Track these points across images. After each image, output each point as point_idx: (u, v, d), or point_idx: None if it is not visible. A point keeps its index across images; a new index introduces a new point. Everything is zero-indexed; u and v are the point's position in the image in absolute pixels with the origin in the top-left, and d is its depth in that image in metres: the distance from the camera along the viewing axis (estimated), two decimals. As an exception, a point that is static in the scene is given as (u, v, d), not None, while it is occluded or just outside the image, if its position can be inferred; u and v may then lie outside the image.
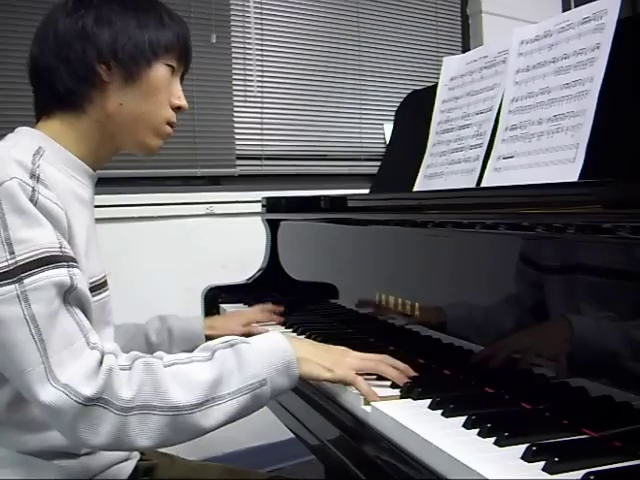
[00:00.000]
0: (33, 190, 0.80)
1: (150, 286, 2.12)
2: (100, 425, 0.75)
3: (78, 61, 0.93)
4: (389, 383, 0.89)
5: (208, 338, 1.22)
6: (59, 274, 0.78)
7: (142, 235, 2.20)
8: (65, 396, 0.73)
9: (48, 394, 0.73)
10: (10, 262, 0.76)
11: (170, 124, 1.01)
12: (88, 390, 0.74)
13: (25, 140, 0.90)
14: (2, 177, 0.79)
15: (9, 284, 0.75)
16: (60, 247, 0.80)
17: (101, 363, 0.77)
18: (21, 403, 0.84)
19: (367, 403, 0.84)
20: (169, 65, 0.98)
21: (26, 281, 0.76)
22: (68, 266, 0.80)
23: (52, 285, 0.77)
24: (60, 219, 0.83)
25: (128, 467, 1.01)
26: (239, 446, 2.29)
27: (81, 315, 0.80)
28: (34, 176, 0.81)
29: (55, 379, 0.74)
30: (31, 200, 0.79)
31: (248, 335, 0.92)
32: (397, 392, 0.86)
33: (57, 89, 0.94)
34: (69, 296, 0.79)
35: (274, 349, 0.85)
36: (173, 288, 2.15)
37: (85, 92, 0.94)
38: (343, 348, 0.93)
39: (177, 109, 1.01)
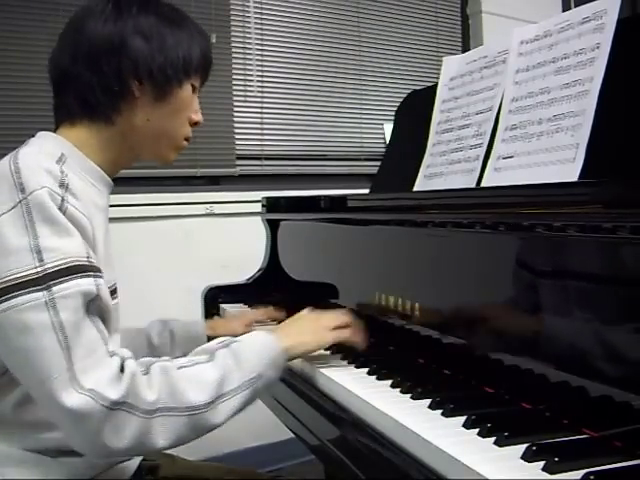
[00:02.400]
0: (62, 200, 0.81)
1: (150, 286, 2.12)
2: (125, 429, 0.76)
3: (113, 74, 0.92)
4: (389, 383, 0.90)
5: (210, 339, 1.22)
6: (87, 283, 0.79)
7: (142, 235, 2.20)
8: (92, 401, 0.74)
9: (74, 400, 0.74)
10: (39, 270, 0.77)
11: (186, 139, 1.04)
12: (114, 394, 0.75)
13: (48, 146, 0.90)
14: (33, 186, 0.79)
15: (38, 291, 0.76)
16: (87, 257, 0.82)
17: (122, 368, 0.78)
18: (28, 404, 0.84)
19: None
20: (193, 85, 1.01)
21: (55, 289, 0.76)
22: (95, 276, 0.81)
23: (79, 294, 0.78)
24: (87, 228, 0.84)
25: (131, 466, 1.02)
26: (239, 446, 2.29)
27: (101, 324, 0.82)
28: (63, 185, 0.82)
29: (80, 386, 0.75)
30: (60, 209, 0.80)
31: None
32: (397, 391, 0.87)
33: (87, 99, 0.93)
34: (92, 305, 0.81)
35: (261, 345, 0.91)
36: (173, 288, 2.15)
37: (116, 105, 0.94)
38: (312, 315, 1.03)
39: (194, 124, 1.04)
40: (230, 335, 1.07)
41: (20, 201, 0.78)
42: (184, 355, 1.09)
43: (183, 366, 0.84)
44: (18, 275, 0.76)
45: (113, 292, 0.97)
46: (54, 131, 0.97)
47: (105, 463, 0.94)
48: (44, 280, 0.76)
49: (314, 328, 0.99)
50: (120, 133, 0.96)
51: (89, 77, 0.92)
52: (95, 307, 0.81)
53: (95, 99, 0.93)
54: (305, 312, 1.05)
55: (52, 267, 0.77)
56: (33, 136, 0.94)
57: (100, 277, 0.83)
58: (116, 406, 0.75)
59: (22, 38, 2.06)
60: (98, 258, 0.87)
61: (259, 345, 0.91)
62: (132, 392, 0.77)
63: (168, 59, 0.94)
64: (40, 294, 0.76)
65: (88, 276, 0.80)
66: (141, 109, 0.95)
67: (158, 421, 0.78)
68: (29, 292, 0.76)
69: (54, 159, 0.85)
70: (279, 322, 1.36)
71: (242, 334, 0.95)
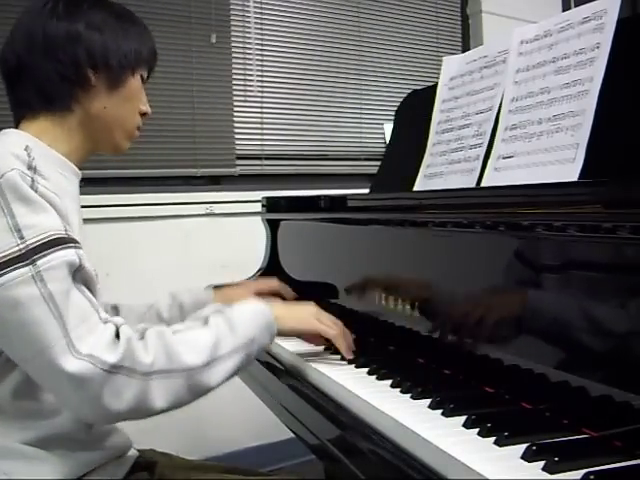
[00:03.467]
0: (32, 180, 0.83)
1: (150, 286, 2.12)
2: (124, 392, 0.79)
3: (69, 63, 0.95)
4: (389, 382, 0.90)
5: None
6: (69, 254, 0.82)
7: (142, 235, 2.19)
8: (91, 365, 0.77)
9: (73, 365, 0.76)
10: (21, 246, 0.79)
11: (138, 128, 1.07)
12: (112, 358, 0.78)
13: (12, 140, 0.92)
14: (3, 169, 0.81)
15: (23, 266, 0.78)
16: (65, 230, 0.84)
17: (117, 334, 0.81)
18: (27, 390, 0.86)
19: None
20: (141, 75, 1.05)
21: (39, 262, 0.79)
22: (75, 247, 0.84)
23: (64, 264, 0.81)
24: (59, 207, 0.86)
25: (127, 462, 1.02)
26: (239, 446, 2.29)
27: (88, 293, 0.84)
28: (31, 167, 0.85)
29: (77, 352, 0.77)
30: (32, 188, 0.82)
31: None
32: (397, 391, 0.87)
33: (45, 89, 0.96)
34: (77, 275, 0.83)
35: (256, 311, 0.96)
36: (173, 288, 2.15)
37: (73, 93, 0.97)
38: (309, 303, 1.08)
39: (143, 115, 1.07)
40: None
41: None
42: None
43: (178, 331, 0.88)
44: (1, 255, 0.78)
45: None
46: (16, 126, 0.99)
47: (100, 457, 0.95)
48: (28, 255, 0.79)
49: (306, 312, 1.05)
50: (79, 122, 0.99)
51: (46, 68, 0.95)
52: (80, 277, 0.84)
53: (53, 89, 0.96)
54: (307, 302, 1.10)
55: (33, 242, 0.79)
56: None
57: (80, 248, 0.85)
58: (115, 369, 0.78)
59: None
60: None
61: (251, 311, 0.96)
62: (129, 356, 0.79)
63: (121, 49, 0.99)
64: (26, 269, 0.78)
65: (69, 247, 0.82)
66: (97, 97, 0.99)
67: (156, 383, 0.81)
68: (15, 269, 0.78)
69: (21, 149, 0.87)
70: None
71: None
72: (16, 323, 0.78)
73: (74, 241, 0.84)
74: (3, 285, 0.78)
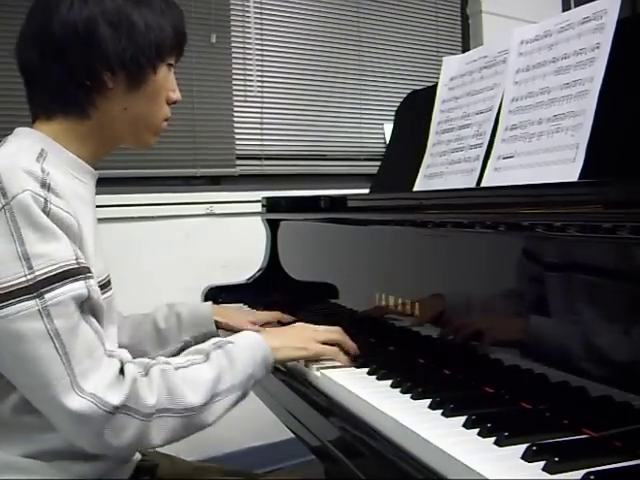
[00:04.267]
0: (46, 201, 0.79)
1: (150, 286, 2.12)
2: (125, 430, 0.78)
3: (83, 69, 0.89)
4: (389, 383, 0.90)
5: (216, 325, 1.25)
6: (78, 287, 0.79)
7: (142, 235, 2.19)
8: (93, 405, 0.75)
9: (76, 403, 0.75)
10: (29, 277, 0.76)
11: (166, 119, 1.01)
12: (115, 399, 0.77)
13: (26, 143, 0.88)
14: (15, 190, 0.77)
15: (30, 299, 0.75)
16: (76, 259, 0.81)
17: (122, 371, 0.80)
18: (26, 407, 0.84)
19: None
20: (169, 64, 0.98)
21: (47, 296, 0.76)
22: (85, 278, 0.81)
23: (72, 299, 0.78)
24: (72, 227, 0.83)
25: (129, 467, 1.01)
26: (239, 446, 2.29)
27: (96, 323, 0.82)
28: (45, 185, 0.80)
29: (81, 389, 0.76)
30: (44, 211, 0.78)
31: None
32: (397, 391, 0.87)
33: (59, 95, 0.91)
34: (85, 305, 0.81)
35: (253, 345, 0.93)
36: (173, 288, 2.14)
37: (90, 99, 0.92)
38: (302, 325, 1.06)
39: (172, 103, 1.01)
40: (237, 326, 1.20)
41: (3, 206, 0.76)
42: (191, 338, 1.19)
43: (181, 366, 0.86)
44: (8, 284, 0.75)
45: (107, 284, 0.97)
46: (32, 123, 0.94)
47: (103, 467, 0.94)
48: (35, 288, 0.76)
49: (302, 337, 1.01)
50: (98, 125, 0.94)
51: (59, 73, 0.89)
52: (88, 307, 0.82)
53: (68, 95, 0.90)
54: (299, 323, 1.08)
55: (42, 274, 0.76)
56: (10, 134, 0.92)
57: (90, 278, 0.82)
58: (117, 410, 0.77)
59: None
60: (87, 255, 0.86)
61: (250, 346, 0.93)
62: (133, 396, 0.78)
63: (140, 47, 0.91)
64: (32, 302, 0.75)
65: (78, 279, 0.80)
66: (116, 99, 0.93)
67: (156, 422, 0.80)
68: (21, 301, 0.75)
69: (34, 157, 0.84)
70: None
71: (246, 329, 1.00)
72: (19, 356, 0.76)
73: (84, 271, 0.81)
74: (8, 317, 0.75)
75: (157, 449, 1.14)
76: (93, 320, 0.82)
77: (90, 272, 0.83)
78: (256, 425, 2.15)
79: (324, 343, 1.02)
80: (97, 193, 1.02)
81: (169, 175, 2.37)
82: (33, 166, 0.81)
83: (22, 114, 1.02)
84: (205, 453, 2.12)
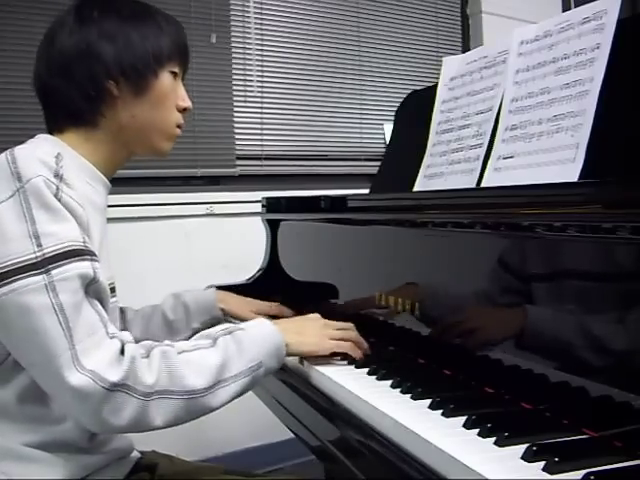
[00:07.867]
0: (57, 188, 0.84)
1: (150, 286, 2.11)
2: (123, 409, 0.79)
3: (86, 80, 0.95)
4: (389, 383, 0.90)
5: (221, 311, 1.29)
6: (84, 266, 0.82)
7: (142, 235, 2.20)
8: (92, 381, 0.77)
9: (76, 378, 0.77)
10: (38, 254, 0.79)
11: (179, 126, 1.06)
12: (113, 376, 0.78)
13: (45, 145, 0.93)
14: (29, 174, 0.82)
15: (37, 275, 0.79)
16: (83, 241, 0.84)
17: (122, 351, 0.81)
18: (34, 394, 0.86)
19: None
20: (172, 72, 1.02)
21: (54, 272, 0.79)
22: (91, 259, 0.84)
23: (78, 276, 0.81)
24: (82, 217, 0.87)
25: (128, 464, 1.02)
26: (239, 446, 2.29)
27: (100, 306, 0.84)
28: (57, 175, 0.85)
29: (81, 366, 0.77)
30: (55, 196, 0.83)
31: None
32: (397, 391, 0.87)
33: (69, 109, 0.97)
34: (90, 288, 0.83)
35: (265, 334, 0.93)
36: (173, 288, 2.14)
37: (97, 109, 0.97)
38: (317, 318, 1.04)
39: (183, 110, 1.05)
40: (238, 315, 1.23)
41: (18, 189, 0.81)
42: (202, 326, 1.22)
43: (184, 350, 0.87)
44: (18, 260, 0.79)
45: (112, 290, 0.99)
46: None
47: (102, 461, 0.95)
48: (43, 264, 0.79)
49: (317, 332, 1.01)
50: (110, 134, 0.99)
51: (66, 88, 0.95)
52: (93, 290, 0.84)
53: (76, 108, 0.96)
54: (313, 315, 1.06)
55: (50, 251, 0.80)
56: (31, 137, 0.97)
57: (96, 261, 0.85)
58: (115, 387, 0.78)
59: (17, 38, 2.06)
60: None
61: (262, 334, 0.93)
62: (132, 374, 0.80)
63: (136, 55, 0.97)
64: (40, 277, 0.78)
65: (85, 259, 0.83)
66: (124, 107, 0.98)
67: (155, 403, 0.81)
68: (29, 276, 0.78)
69: (52, 155, 0.87)
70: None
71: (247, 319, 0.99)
72: (24, 329, 0.79)
73: (91, 253, 0.85)
74: (16, 290, 0.78)
75: (156, 449, 1.15)
76: (97, 303, 0.84)
77: (96, 256, 0.86)
78: (256, 425, 2.15)
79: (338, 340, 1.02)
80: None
81: (169, 175, 2.37)
82: (48, 158, 0.86)
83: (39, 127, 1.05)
84: (205, 453, 2.13)
